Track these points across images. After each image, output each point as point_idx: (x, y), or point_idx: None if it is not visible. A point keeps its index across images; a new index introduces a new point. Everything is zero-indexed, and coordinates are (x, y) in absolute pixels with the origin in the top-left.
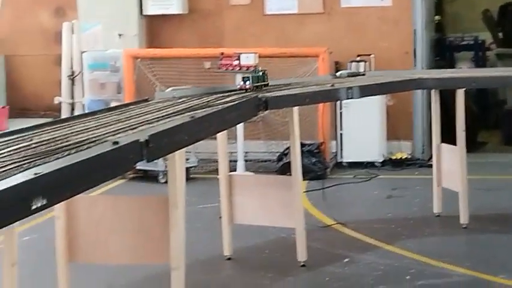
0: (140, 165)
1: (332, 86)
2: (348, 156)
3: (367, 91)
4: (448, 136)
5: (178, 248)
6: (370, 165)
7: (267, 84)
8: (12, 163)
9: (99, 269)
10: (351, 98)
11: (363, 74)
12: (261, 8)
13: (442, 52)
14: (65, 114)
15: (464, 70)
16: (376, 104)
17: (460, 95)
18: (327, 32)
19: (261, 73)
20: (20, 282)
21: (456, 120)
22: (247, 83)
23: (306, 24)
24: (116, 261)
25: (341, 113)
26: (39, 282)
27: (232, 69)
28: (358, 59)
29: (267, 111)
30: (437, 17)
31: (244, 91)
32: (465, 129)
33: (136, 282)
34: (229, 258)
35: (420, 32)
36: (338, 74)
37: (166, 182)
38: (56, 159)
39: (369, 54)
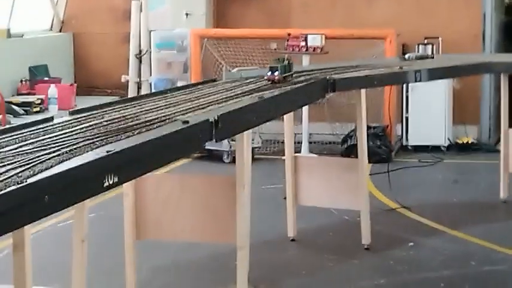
0: (206, 145)
1: (400, 68)
2: (413, 140)
3: (435, 74)
4: None
5: (244, 228)
6: (435, 149)
7: (292, 75)
8: (84, 140)
9: (164, 246)
10: (419, 81)
11: (432, 57)
12: None
13: None
14: (131, 92)
15: None
16: (442, 88)
17: None
18: (394, 14)
19: (287, 62)
20: (88, 258)
21: None
22: (276, 73)
23: (374, 6)
24: (182, 238)
25: (407, 96)
26: (106, 258)
27: (298, 50)
28: (426, 41)
29: (334, 93)
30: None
31: (271, 82)
32: None
33: (201, 260)
34: (293, 240)
35: (490, 14)
36: (407, 56)
37: (230, 162)
38: (127, 137)
39: (437, 37)
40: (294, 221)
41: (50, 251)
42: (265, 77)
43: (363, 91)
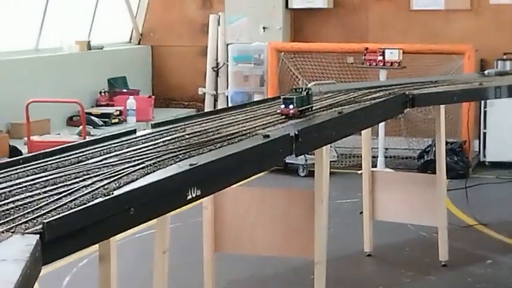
0: None
1: (480, 84)
2: (490, 156)
3: None
4: None
5: (321, 242)
6: None
7: (312, 108)
8: (167, 153)
9: (242, 259)
10: (500, 98)
11: None
12: (407, 3)
13: None
14: (208, 105)
15: None
16: None
17: None
18: (473, 29)
19: (305, 93)
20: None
21: None
22: (291, 106)
23: (452, 21)
24: (260, 252)
25: (485, 111)
26: (185, 270)
27: (376, 65)
28: (505, 57)
29: (412, 109)
30: None
31: (285, 117)
32: None
33: (279, 274)
34: (369, 255)
35: None
36: (486, 72)
37: (306, 176)
38: (209, 150)
39: None
40: (370, 236)
41: (129, 261)
42: (278, 111)
43: (442, 107)
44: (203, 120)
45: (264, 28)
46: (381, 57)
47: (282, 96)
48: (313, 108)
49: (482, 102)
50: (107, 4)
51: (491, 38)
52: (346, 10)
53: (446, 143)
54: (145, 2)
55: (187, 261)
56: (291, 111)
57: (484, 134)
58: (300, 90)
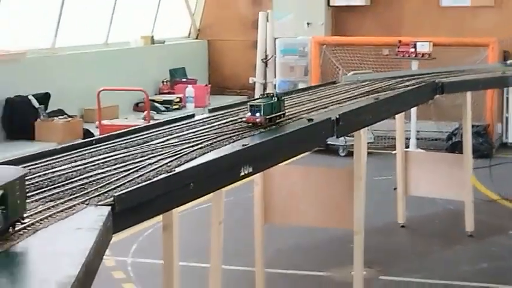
0: None
1: (503, 73)
2: None
3: None
4: None
5: (360, 215)
6: None
7: (284, 115)
8: (222, 135)
9: (288, 230)
10: None
11: None
12: (437, 0)
13: None
14: (258, 92)
15: None
16: None
17: None
18: (496, 24)
19: (276, 99)
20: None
21: None
22: (257, 114)
23: (477, 16)
24: (305, 224)
25: (507, 97)
26: (238, 239)
27: (408, 56)
28: None
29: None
30: None
31: (253, 125)
32: None
33: (321, 243)
34: (402, 226)
35: None
36: (508, 62)
37: (345, 155)
38: (259, 132)
39: None
40: (403, 210)
41: (190, 230)
42: (245, 118)
43: (469, 93)
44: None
45: (307, 24)
46: (413, 49)
47: (249, 103)
48: (286, 114)
49: (505, 89)
50: (168, 2)
51: None
52: (382, 7)
53: (472, 126)
54: (202, 1)
55: (240, 231)
56: (258, 120)
57: (507, 118)
58: (272, 96)
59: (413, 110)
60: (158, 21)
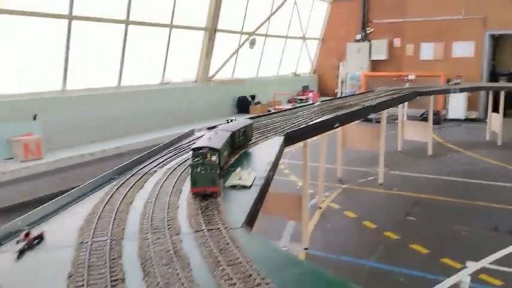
0: (369, 115)
1: (447, 88)
2: None
3: None
4: None
5: (382, 145)
6: None
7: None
8: (326, 111)
9: (354, 152)
10: None
11: None
12: (418, 56)
13: None
14: (338, 95)
15: None
16: None
17: None
18: (444, 66)
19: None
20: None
21: None
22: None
23: (436, 63)
24: (359, 148)
25: (448, 98)
26: (330, 154)
27: (405, 80)
28: None
29: (419, 97)
30: None
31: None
32: None
33: (364, 157)
34: (400, 152)
35: None
36: (449, 83)
37: (376, 122)
38: (342, 110)
39: None
40: (401, 144)
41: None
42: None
43: (432, 96)
44: (338, 100)
45: (361, 67)
46: (406, 78)
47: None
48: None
49: (448, 94)
50: (297, 53)
51: None
52: (393, 60)
53: (433, 111)
54: (316, 54)
55: (332, 151)
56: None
57: (447, 108)
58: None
59: (406, 103)
60: (298, 64)
